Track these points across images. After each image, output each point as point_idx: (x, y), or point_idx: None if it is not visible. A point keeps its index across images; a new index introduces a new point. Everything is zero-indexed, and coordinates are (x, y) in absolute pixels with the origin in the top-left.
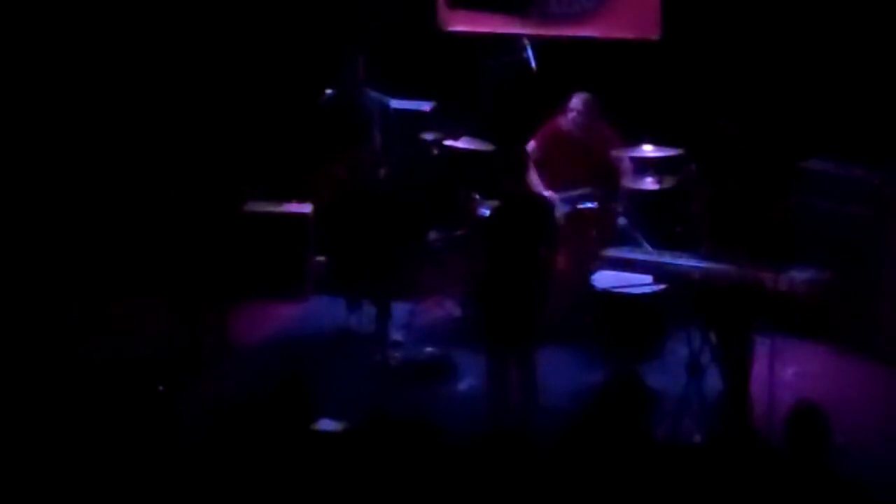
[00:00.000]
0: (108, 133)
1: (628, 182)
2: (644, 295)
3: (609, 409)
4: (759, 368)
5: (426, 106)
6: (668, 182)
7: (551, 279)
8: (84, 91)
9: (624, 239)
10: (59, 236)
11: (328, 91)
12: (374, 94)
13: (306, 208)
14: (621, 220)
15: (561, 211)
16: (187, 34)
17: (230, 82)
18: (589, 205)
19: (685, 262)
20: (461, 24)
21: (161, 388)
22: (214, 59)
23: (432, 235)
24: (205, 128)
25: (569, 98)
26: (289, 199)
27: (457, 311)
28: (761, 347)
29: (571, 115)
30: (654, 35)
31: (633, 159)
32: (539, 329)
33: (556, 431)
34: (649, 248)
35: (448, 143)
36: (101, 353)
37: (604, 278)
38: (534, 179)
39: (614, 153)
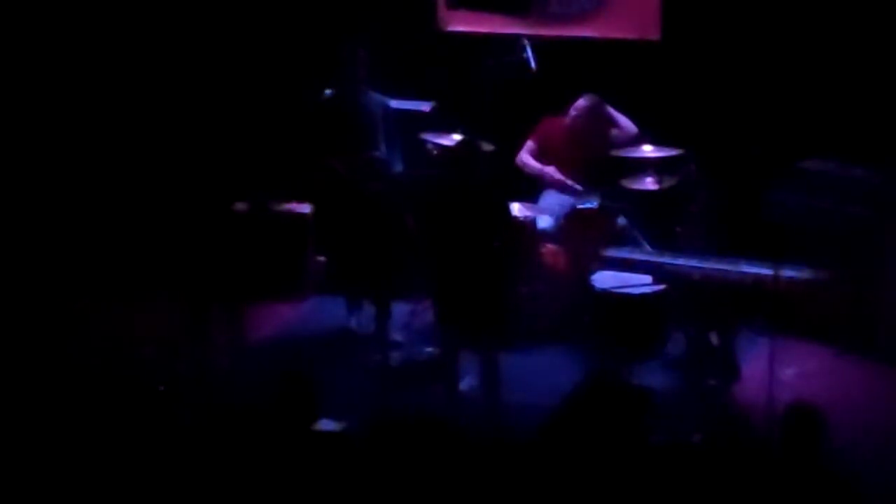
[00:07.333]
0: (108, 133)
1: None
2: (643, 295)
3: (585, 408)
4: (758, 368)
5: (426, 106)
6: (668, 182)
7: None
8: (87, 91)
9: (624, 239)
10: (59, 237)
11: (328, 91)
12: (373, 94)
13: (306, 208)
14: (621, 220)
15: (560, 211)
16: (186, 34)
17: (232, 81)
18: (589, 205)
19: (685, 262)
20: (461, 24)
21: (161, 388)
22: (214, 59)
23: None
24: (204, 127)
25: (575, 99)
26: (289, 199)
27: None
28: (761, 347)
29: (575, 114)
30: (654, 35)
31: (633, 159)
32: (514, 329)
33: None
34: (649, 248)
35: (446, 143)
36: (101, 355)
37: (603, 278)
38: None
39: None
